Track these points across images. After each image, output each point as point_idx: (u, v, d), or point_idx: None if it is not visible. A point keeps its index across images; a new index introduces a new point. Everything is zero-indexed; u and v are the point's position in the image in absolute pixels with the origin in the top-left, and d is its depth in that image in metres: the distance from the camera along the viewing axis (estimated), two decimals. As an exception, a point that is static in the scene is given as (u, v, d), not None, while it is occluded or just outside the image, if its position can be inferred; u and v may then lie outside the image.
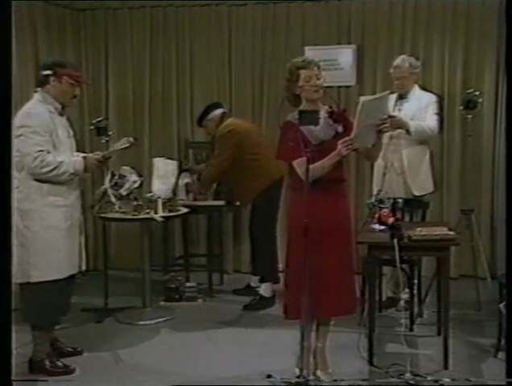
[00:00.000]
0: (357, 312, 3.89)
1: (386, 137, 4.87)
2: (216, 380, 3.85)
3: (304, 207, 3.28)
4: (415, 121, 4.91)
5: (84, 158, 4.08)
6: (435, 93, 5.30)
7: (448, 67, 6.01)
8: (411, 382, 3.66)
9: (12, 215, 2.68)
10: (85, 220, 6.23)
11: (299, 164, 3.51)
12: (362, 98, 3.45)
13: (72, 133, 4.16)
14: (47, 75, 3.94)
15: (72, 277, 4.09)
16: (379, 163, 4.95)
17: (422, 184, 5.03)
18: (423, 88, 5.23)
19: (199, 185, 5.68)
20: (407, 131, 4.85)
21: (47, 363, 4.00)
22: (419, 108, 4.99)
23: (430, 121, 4.98)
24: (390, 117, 4.63)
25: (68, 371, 4.02)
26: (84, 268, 4.26)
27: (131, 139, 4.44)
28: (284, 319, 3.74)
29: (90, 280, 6.13)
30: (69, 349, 4.29)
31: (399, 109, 4.99)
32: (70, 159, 3.98)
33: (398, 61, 5.05)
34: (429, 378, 3.74)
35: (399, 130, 4.85)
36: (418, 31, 6.04)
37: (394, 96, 5.06)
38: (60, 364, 4.04)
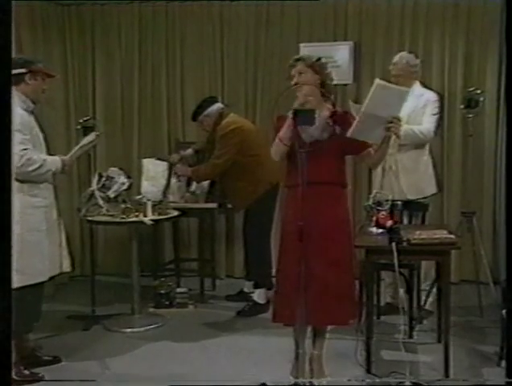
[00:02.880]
0: (354, 321, 3.86)
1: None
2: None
3: (299, 208, 3.24)
4: (406, 126, 4.82)
5: (62, 159, 4.15)
6: (436, 92, 5.30)
7: (448, 65, 6.02)
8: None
9: (12, 217, 2.72)
10: (72, 223, 6.31)
11: (276, 144, 3.52)
12: (378, 80, 3.36)
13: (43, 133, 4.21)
14: (22, 74, 3.98)
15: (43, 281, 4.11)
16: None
17: (417, 188, 5.03)
18: (425, 86, 5.23)
19: (191, 174, 5.59)
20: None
21: (13, 372, 3.97)
22: (416, 108, 4.98)
23: (425, 123, 4.98)
24: None
25: (36, 378, 4.00)
26: (68, 269, 4.30)
27: (96, 133, 4.48)
28: (271, 322, 3.73)
29: (77, 286, 6.14)
30: (47, 358, 4.27)
31: None
32: (50, 158, 4.08)
33: (396, 58, 5.10)
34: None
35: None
36: (417, 27, 6.06)
37: None
38: (27, 373, 4.02)
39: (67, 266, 4.30)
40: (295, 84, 3.59)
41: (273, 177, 5.10)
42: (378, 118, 3.38)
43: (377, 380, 3.81)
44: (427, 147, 5.16)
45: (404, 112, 4.88)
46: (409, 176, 5.03)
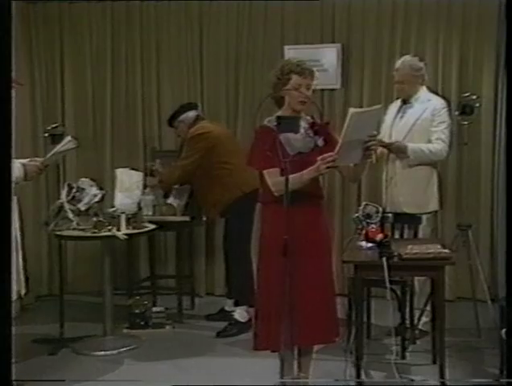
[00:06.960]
0: (339, 339, 3.88)
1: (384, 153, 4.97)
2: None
3: (277, 223, 3.32)
4: (415, 145, 4.89)
5: (23, 164, 4.06)
6: (444, 98, 5.26)
7: (441, 69, 6.09)
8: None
9: (12, 225, 2.70)
10: (39, 239, 6.28)
11: (270, 174, 3.57)
12: (352, 110, 3.47)
13: None
14: None
15: None
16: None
17: (417, 203, 4.99)
18: (433, 91, 5.22)
19: (157, 181, 5.68)
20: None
21: None
22: (421, 116, 4.95)
23: (436, 139, 4.93)
24: (390, 144, 4.80)
25: None
26: (23, 292, 4.23)
27: (74, 140, 4.43)
28: (253, 350, 3.73)
29: (44, 306, 6.10)
30: None
31: (401, 116, 5.02)
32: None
33: (398, 63, 5.08)
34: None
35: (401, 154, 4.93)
36: (409, 29, 6.11)
37: (397, 103, 5.13)
38: None
39: (22, 290, 4.21)
40: (304, 100, 3.62)
41: (244, 185, 5.15)
42: (357, 141, 3.50)
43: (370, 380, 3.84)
44: (434, 167, 5.11)
45: (409, 122, 4.95)
46: (409, 190, 4.99)
